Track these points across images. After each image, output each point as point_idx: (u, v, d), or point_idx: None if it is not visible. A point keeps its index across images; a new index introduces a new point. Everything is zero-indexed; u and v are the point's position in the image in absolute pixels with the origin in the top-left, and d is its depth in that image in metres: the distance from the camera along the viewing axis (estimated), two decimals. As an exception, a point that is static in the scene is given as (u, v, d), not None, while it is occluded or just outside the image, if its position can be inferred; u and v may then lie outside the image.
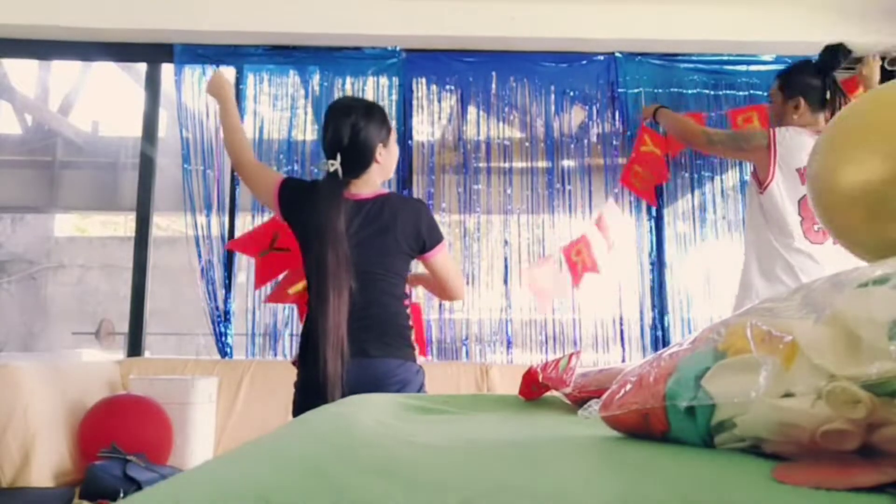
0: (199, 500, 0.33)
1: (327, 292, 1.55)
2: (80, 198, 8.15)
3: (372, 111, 1.73)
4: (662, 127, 2.80)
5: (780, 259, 2.06)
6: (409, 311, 1.73)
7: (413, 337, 1.71)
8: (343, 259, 1.57)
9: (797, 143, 2.06)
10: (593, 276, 3.05)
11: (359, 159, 1.69)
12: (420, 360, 1.76)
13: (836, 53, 2.16)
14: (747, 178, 2.77)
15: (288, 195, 1.72)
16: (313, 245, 1.62)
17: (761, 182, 2.12)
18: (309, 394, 1.54)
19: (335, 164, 1.66)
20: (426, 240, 1.72)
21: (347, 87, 3.40)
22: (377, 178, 1.75)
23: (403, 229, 1.68)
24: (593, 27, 3.35)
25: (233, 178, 3.34)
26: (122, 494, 2.08)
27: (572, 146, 3.45)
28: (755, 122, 2.98)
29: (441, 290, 1.86)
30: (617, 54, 3.42)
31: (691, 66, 3.45)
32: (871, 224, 0.60)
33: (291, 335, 3.24)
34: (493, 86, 3.44)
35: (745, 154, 2.26)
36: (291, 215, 1.72)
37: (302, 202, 1.70)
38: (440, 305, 3.26)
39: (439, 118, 3.47)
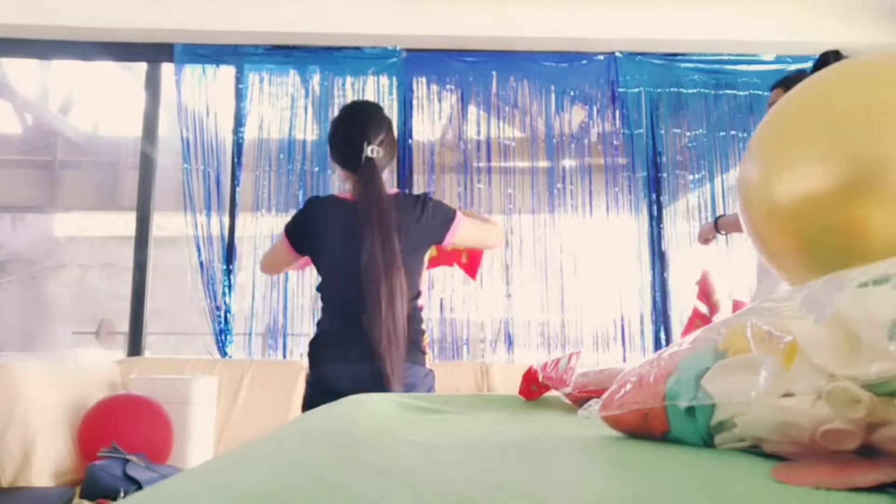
0: (198, 501, 0.33)
1: (379, 284, 1.55)
2: (80, 198, 8.14)
3: (385, 142, 1.71)
4: (727, 233, 2.61)
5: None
6: (422, 312, 1.73)
7: (425, 340, 1.71)
8: (392, 249, 1.57)
9: None
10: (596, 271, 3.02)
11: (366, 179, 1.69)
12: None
13: (828, 61, 2.15)
14: None
15: (296, 231, 1.72)
16: (337, 242, 1.61)
17: None
18: (322, 391, 1.54)
19: (375, 149, 1.67)
20: (439, 229, 1.71)
21: (347, 86, 3.40)
22: None
23: (416, 227, 1.68)
24: (593, 27, 3.35)
25: (233, 178, 3.34)
26: (122, 494, 2.07)
27: (573, 146, 3.45)
28: None
29: (480, 248, 1.90)
30: (617, 54, 3.42)
31: (691, 66, 3.46)
32: (805, 247, 0.49)
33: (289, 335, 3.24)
34: (494, 85, 3.44)
35: None
36: (307, 243, 1.71)
37: (311, 222, 1.70)
38: (440, 305, 3.26)
39: (439, 118, 3.48)
